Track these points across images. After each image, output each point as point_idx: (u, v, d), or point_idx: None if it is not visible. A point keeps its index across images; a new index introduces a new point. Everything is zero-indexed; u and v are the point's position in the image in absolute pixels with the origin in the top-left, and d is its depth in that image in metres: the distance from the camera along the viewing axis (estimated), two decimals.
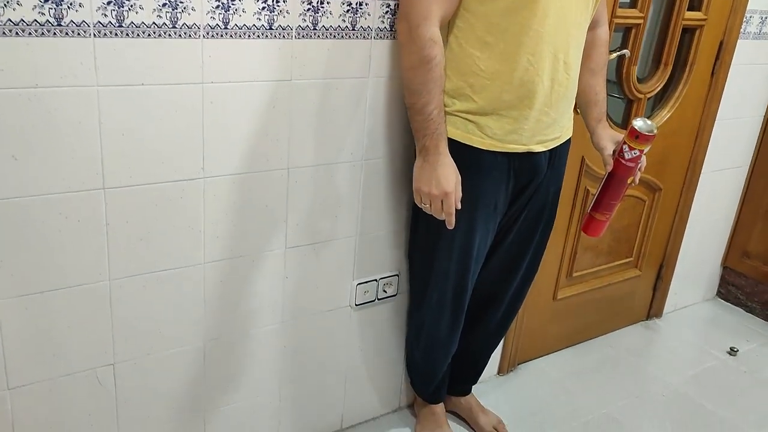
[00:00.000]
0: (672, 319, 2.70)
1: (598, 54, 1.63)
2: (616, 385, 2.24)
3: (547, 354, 2.37)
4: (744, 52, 2.37)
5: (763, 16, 2.38)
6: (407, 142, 1.68)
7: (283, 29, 1.40)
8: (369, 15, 1.49)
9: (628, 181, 1.61)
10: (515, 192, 1.59)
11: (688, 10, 2.13)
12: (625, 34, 2.04)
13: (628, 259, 2.47)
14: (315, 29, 1.44)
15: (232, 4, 1.32)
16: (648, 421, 2.08)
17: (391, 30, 1.53)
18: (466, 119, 1.46)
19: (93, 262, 1.35)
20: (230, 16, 1.33)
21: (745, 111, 2.54)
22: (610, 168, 1.62)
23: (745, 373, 2.37)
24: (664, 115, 2.27)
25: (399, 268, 1.82)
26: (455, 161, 1.48)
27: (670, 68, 2.19)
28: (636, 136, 1.55)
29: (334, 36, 1.47)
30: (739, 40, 2.33)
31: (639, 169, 1.61)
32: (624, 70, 2.08)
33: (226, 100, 1.39)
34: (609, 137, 1.65)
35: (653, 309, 2.67)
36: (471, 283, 1.67)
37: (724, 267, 2.85)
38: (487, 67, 1.41)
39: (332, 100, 1.52)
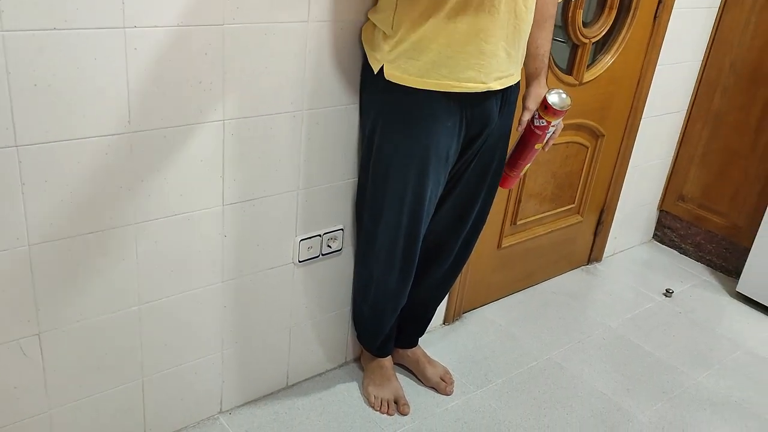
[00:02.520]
0: (611, 263, 2.76)
1: (544, 4, 1.54)
2: (559, 331, 2.28)
3: (492, 302, 2.38)
4: None
5: None
6: (352, 90, 1.59)
7: None
8: None
9: (536, 147, 1.62)
10: (466, 142, 1.54)
11: None
12: None
13: (570, 206, 2.48)
14: None
15: None
16: (589, 364, 2.13)
17: None
18: (420, 60, 1.38)
19: (10, 226, 1.24)
20: None
21: (685, 55, 2.54)
22: (521, 130, 1.62)
23: (680, 314, 2.45)
24: (608, 60, 2.25)
25: (344, 222, 1.76)
26: (409, 110, 1.43)
27: (615, 12, 2.15)
28: (545, 107, 1.56)
29: None
30: None
31: (547, 141, 1.62)
32: (570, 14, 2.03)
33: (152, 47, 1.26)
34: (536, 98, 1.61)
35: (594, 253, 2.71)
36: (422, 234, 1.63)
37: (661, 210, 2.92)
38: None
39: (269, 47, 1.42)
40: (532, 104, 1.62)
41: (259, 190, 1.56)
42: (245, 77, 1.41)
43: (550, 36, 1.64)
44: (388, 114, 1.47)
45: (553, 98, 1.54)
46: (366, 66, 1.51)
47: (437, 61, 1.38)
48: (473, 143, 1.56)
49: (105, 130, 1.27)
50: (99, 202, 1.32)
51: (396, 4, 1.37)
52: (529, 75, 1.64)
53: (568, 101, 1.56)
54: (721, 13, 2.54)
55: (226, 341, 1.68)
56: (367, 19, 1.50)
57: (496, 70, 1.43)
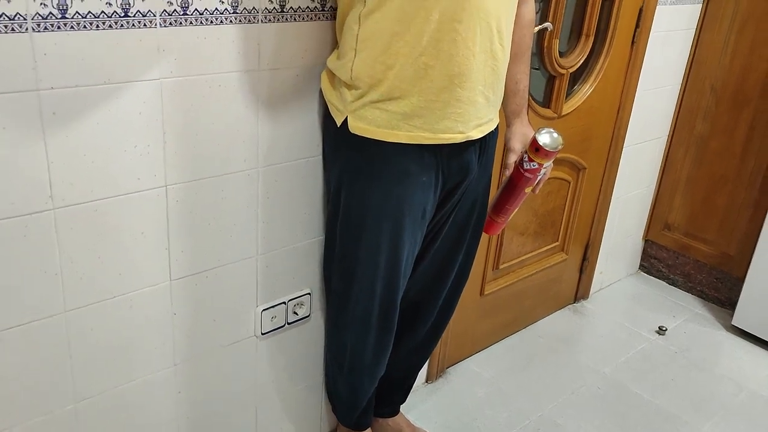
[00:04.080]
0: (599, 300, 2.61)
1: (521, 36, 1.41)
2: (551, 381, 2.11)
3: (477, 352, 2.21)
4: (662, 18, 2.25)
5: None
6: (313, 141, 1.42)
7: (143, 15, 1.10)
8: None
9: (526, 191, 1.47)
10: (443, 195, 1.38)
11: None
12: (545, 4, 1.84)
13: (554, 244, 2.33)
14: (185, 13, 1.15)
15: None
16: (586, 420, 1.96)
17: (294, 10, 1.26)
18: (389, 111, 1.22)
19: None
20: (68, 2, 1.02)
21: (664, 80, 2.43)
22: (508, 173, 1.48)
23: (676, 354, 2.31)
24: (586, 90, 2.12)
25: (311, 285, 1.58)
26: (379, 165, 1.27)
27: (591, 39, 2.03)
28: (536, 148, 1.40)
29: (210, 21, 1.18)
30: (657, 6, 2.19)
31: (538, 182, 1.47)
32: (545, 44, 1.89)
33: (73, 110, 1.08)
34: (521, 137, 1.47)
35: (580, 291, 2.56)
36: (399, 299, 1.46)
37: (646, 240, 2.78)
38: (408, 41, 1.17)
39: (215, 100, 1.25)
40: (518, 145, 1.47)
41: (211, 260, 1.37)
42: (189, 136, 1.24)
43: (528, 69, 1.50)
44: (356, 170, 1.30)
45: (545, 139, 1.39)
46: (328, 115, 1.35)
47: (408, 111, 1.22)
48: (452, 196, 1.39)
49: (21, 209, 1.08)
50: (19, 292, 1.12)
51: (355, 51, 1.21)
52: (510, 113, 1.49)
53: (560, 140, 1.40)
54: (699, 35, 2.44)
55: (182, 430, 1.48)
56: (326, 64, 1.33)
57: (474, 118, 1.27)
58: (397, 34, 1.17)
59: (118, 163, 1.16)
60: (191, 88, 1.21)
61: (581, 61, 2.03)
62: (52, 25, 1.01)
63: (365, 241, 1.35)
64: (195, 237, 1.32)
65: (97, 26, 1.06)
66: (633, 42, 2.18)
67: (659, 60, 2.33)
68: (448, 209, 1.42)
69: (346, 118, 1.27)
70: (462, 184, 1.38)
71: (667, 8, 2.25)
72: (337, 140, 1.32)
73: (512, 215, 1.55)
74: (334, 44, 1.36)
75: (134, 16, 1.09)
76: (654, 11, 2.18)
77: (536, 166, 1.43)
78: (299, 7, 1.29)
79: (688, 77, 2.50)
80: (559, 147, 1.41)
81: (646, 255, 2.81)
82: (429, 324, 1.62)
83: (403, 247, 1.36)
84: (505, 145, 1.52)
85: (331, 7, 1.33)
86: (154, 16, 1.11)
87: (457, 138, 1.27)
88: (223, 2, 1.18)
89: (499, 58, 1.27)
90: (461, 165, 1.33)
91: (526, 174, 1.44)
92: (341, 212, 1.37)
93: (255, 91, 1.29)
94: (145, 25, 1.11)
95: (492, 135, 1.39)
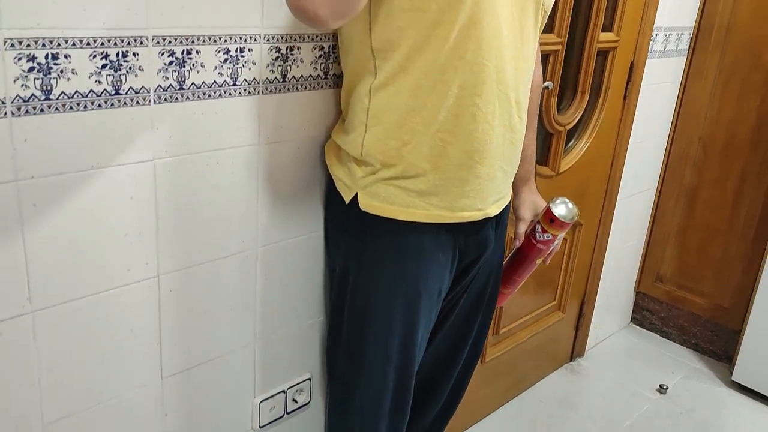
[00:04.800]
0: (595, 356, 2.52)
1: (531, 101, 1.33)
2: None
3: (478, 421, 2.09)
4: (651, 71, 2.22)
5: (667, 33, 2.25)
6: (315, 216, 1.32)
7: (135, 92, 0.99)
8: (254, 64, 1.12)
9: (537, 262, 1.40)
10: (459, 271, 1.28)
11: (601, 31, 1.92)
12: (543, 62, 1.79)
13: (551, 304, 2.24)
14: (182, 88, 1.04)
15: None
16: None
17: (296, 79, 1.17)
18: (404, 188, 1.13)
19: None
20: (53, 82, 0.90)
21: (652, 132, 2.40)
22: (519, 243, 1.40)
23: (681, 415, 2.22)
24: (582, 146, 2.07)
25: (311, 369, 1.45)
26: (392, 246, 1.17)
27: (587, 96, 1.98)
28: (551, 219, 1.33)
29: (208, 95, 1.07)
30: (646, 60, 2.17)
31: (550, 253, 1.40)
32: (543, 103, 1.84)
33: (56, 200, 0.96)
34: (531, 206, 1.41)
35: (576, 349, 2.47)
36: (413, 384, 1.34)
37: (638, 292, 2.73)
38: (425, 117, 1.08)
39: (212, 179, 1.13)
40: (528, 214, 1.40)
41: (206, 351, 1.24)
42: (184, 219, 1.12)
43: (536, 133, 1.43)
44: (366, 251, 1.20)
45: (560, 210, 1.31)
46: (333, 190, 1.24)
47: (425, 189, 1.12)
48: (468, 271, 1.30)
49: None
50: None
51: (366, 126, 1.11)
52: (519, 180, 1.41)
53: (576, 210, 1.33)
54: (684, 87, 2.43)
55: None
56: (331, 136, 1.24)
57: (493, 194, 1.18)
58: (413, 110, 1.08)
59: (106, 254, 1.03)
60: (187, 167, 1.09)
61: (578, 118, 1.98)
62: (34, 108, 0.89)
63: (376, 326, 1.24)
64: (189, 328, 1.19)
65: (85, 106, 0.94)
66: (625, 96, 2.15)
67: (648, 113, 2.31)
68: (464, 284, 1.32)
69: (356, 195, 1.17)
70: (479, 259, 1.28)
71: (655, 61, 2.23)
72: (345, 218, 1.22)
73: (520, 286, 1.47)
74: (338, 113, 1.26)
75: (126, 93, 0.98)
76: (644, 65, 2.16)
77: (550, 238, 1.35)
78: (301, 75, 1.19)
79: (675, 128, 2.48)
80: (575, 217, 1.34)
81: (637, 307, 2.75)
82: (440, 405, 1.50)
83: (418, 330, 1.25)
84: (514, 214, 1.44)
85: (334, 74, 1.24)
86: (148, 92, 1.00)
87: (476, 216, 1.18)
88: (222, 74, 1.08)
89: (518, 131, 1.19)
90: (479, 241, 1.24)
91: (539, 245, 1.37)
92: (349, 294, 1.25)
93: (255, 166, 1.18)
94: (138, 102, 0.99)
95: (506, 206, 1.31)
